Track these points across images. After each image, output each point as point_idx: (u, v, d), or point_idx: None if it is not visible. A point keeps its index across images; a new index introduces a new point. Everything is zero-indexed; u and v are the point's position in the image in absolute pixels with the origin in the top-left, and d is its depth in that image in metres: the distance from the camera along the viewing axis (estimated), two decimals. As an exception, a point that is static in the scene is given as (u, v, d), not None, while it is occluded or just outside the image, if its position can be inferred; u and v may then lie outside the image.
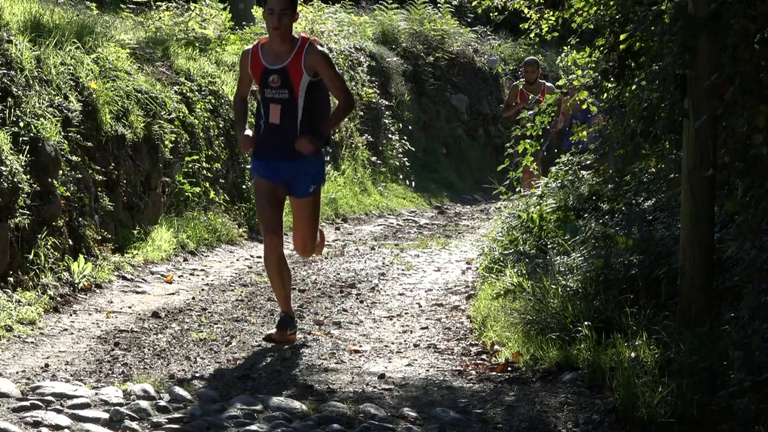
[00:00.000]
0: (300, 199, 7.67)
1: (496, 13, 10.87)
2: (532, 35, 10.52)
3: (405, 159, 19.29)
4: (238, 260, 11.47)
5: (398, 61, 20.83)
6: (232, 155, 13.18)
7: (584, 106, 10.71)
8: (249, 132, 7.60)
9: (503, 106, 16.16)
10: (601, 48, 9.01)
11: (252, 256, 11.67)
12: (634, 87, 8.23)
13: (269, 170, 7.55)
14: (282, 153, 7.49)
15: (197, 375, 6.85)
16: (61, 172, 9.16)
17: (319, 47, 7.51)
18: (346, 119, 17.66)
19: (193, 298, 9.37)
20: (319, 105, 7.56)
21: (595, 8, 9.21)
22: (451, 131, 22.18)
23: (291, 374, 6.95)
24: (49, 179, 8.90)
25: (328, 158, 16.26)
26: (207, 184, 12.43)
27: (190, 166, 12.18)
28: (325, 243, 8.12)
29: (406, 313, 9.06)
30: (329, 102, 7.72)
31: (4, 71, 8.89)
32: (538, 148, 11.10)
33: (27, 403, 5.80)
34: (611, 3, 8.66)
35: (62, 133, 9.33)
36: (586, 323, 7.04)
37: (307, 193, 7.64)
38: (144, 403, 5.94)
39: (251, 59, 7.54)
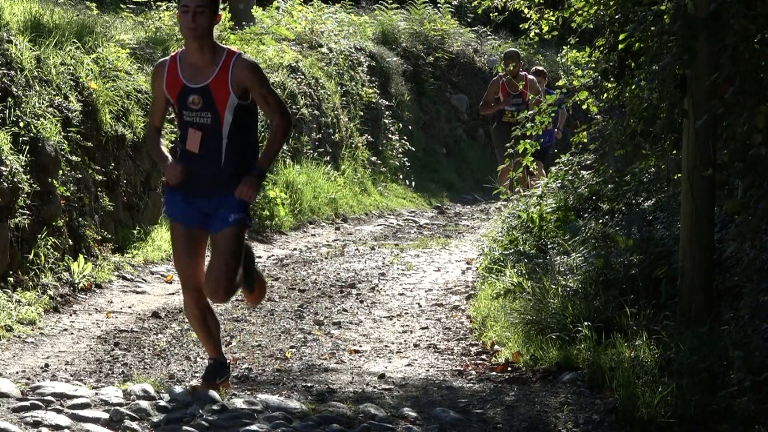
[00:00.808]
0: (218, 232, 6.19)
1: (496, 13, 10.87)
2: (531, 35, 10.52)
3: (405, 159, 19.29)
4: (238, 260, 11.46)
5: (398, 61, 20.83)
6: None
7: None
8: (171, 160, 6.18)
9: (482, 102, 15.68)
10: (601, 48, 9.01)
11: (252, 256, 11.67)
12: (634, 87, 8.24)
13: (184, 209, 6.20)
14: (201, 189, 6.14)
15: (197, 375, 6.85)
16: (61, 172, 9.16)
17: (249, 58, 6.16)
18: (350, 122, 17.66)
19: (193, 298, 9.37)
20: (249, 131, 6.22)
21: (595, 8, 9.21)
22: (451, 131, 22.18)
23: (291, 374, 6.95)
24: (49, 179, 8.90)
25: (328, 158, 16.25)
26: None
27: (190, 166, 12.17)
28: (266, 289, 6.88)
29: (406, 313, 9.06)
30: (257, 126, 6.40)
31: (4, 71, 8.89)
32: (537, 147, 11.09)
33: (27, 403, 5.80)
34: (611, 3, 8.67)
35: (62, 133, 9.34)
36: (586, 323, 7.04)
37: (227, 223, 6.15)
38: (144, 403, 5.94)
39: (168, 74, 6.10)
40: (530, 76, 14.85)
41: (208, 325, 6.31)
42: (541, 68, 15.65)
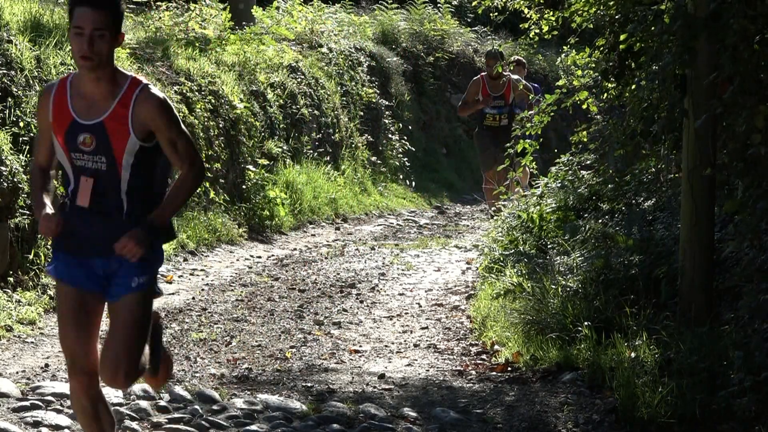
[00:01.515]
0: (118, 300, 4.82)
1: (496, 14, 10.87)
2: (531, 35, 10.52)
3: (405, 159, 19.29)
4: (238, 260, 11.47)
5: (398, 61, 20.83)
6: (232, 155, 13.19)
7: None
8: (49, 209, 4.94)
9: (461, 103, 15.30)
10: (601, 48, 9.02)
11: (252, 256, 11.68)
12: (634, 87, 8.24)
13: (76, 270, 4.85)
14: (96, 248, 4.84)
15: (197, 375, 6.85)
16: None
17: (157, 92, 4.79)
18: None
19: (193, 298, 9.38)
20: (154, 180, 5.05)
21: (595, 8, 9.22)
22: (451, 131, 22.18)
23: (291, 374, 6.95)
24: (49, 179, 8.90)
25: (328, 158, 16.25)
26: (207, 184, 12.43)
27: (190, 166, 12.16)
28: (172, 369, 5.48)
29: (406, 313, 9.06)
30: (168, 174, 5.19)
31: (4, 71, 8.89)
32: (537, 147, 11.08)
33: (27, 403, 5.81)
34: (611, 3, 8.67)
35: (62, 133, 9.33)
36: (586, 323, 7.05)
37: (130, 289, 4.81)
38: (144, 403, 5.94)
39: (54, 103, 4.80)
40: (513, 77, 14.35)
41: (100, 421, 4.82)
42: (520, 57, 15.42)
